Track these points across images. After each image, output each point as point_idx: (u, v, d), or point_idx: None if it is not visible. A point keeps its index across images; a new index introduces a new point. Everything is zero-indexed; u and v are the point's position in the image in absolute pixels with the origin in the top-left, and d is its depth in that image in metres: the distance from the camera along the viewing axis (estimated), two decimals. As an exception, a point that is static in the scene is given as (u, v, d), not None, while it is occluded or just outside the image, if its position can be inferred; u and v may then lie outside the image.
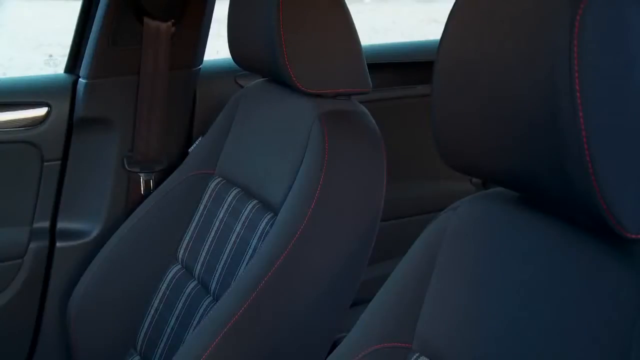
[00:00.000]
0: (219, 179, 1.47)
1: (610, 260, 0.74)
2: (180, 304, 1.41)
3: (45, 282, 1.59)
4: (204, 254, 1.41)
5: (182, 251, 1.47)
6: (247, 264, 1.29)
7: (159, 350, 1.40)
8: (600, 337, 0.72)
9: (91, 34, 1.60)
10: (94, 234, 1.61)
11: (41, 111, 1.58)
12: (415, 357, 0.91)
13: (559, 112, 0.69)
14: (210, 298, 1.36)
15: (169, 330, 1.41)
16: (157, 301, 1.46)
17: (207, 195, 1.47)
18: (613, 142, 0.68)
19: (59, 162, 1.61)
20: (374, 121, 1.31)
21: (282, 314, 1.22)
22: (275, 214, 1.28)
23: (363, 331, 0.97)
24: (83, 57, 1.62)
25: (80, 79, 1.61)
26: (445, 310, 0.88)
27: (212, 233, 1.42)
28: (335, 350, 0.99)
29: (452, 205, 0.95)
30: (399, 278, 0.96)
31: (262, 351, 1.23)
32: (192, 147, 1.63)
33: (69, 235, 1.61)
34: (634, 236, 0.70)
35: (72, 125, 1.61)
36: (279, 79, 1.37)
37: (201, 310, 1.35)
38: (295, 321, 1.23)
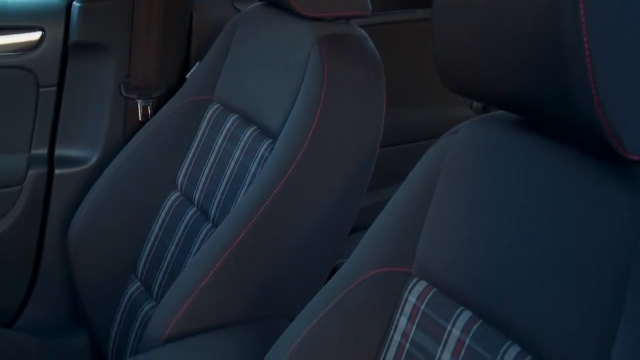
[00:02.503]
0: (217, 105, 1.45)
1: (612, 182, 0.73)
2: (180, 231, 1.41)
3: (45, 208, 1.59)
4: (203, 180, 1.41)
5: (181, 178, 1.47)
6: (246, 190, 1.28)
7: (160, 276, 1.41)
8: (600, 258, 0.72)
9: (85, -46, 1.56)
10: (93, 160, 1.60)
11: (35, 35, 1.55)
12: (414, 281, 0.91)
13: (562, 32, 0.68)
14: (210, 224, 1.36)
15: (169, 256, 1.41)
16: (156, 228, 1.47)
17: (205, 122, 1.46)
18: (617, 63, 0.67)
19: (55, 88, 1.59)
20: (373, 45, 1.29)
21: (281, 240, 1.22)
22: (274, 140, 1.27)
23: (362, 256, 0.97)
24: (76, -20, 1.59)
25: (74, 2, 1.58)
26: (445, 234, 0.88)
27: (211, 159, 1.41)
28: (334, 276, 0.99)
29: (452, 129, 0.94)
30: (398, 203, 0.96)
31: (261, 277, 1.23)
32: (190, 73, 1.61)
33: (68, 162, 1.60)
34: (636, 158, 0.70)
35: (67, 50, 1.59)
36: (277, 3, 1.34)
37: (201, 237, 1.35)
38: (294, 247, 1.24)
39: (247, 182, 1.31)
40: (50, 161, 1.59)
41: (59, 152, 1.60)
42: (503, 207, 0.82)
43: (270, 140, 1.29)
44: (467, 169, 0.88)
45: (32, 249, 1.59)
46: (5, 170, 1.55)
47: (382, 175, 1.47)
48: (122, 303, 1.47)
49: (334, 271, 1.03)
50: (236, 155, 1.35)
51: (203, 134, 1.45)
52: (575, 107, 0.69)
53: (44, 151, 1.59)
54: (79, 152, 1.61)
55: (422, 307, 0.88)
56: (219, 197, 1.36)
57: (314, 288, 1.02)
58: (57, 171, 1.58)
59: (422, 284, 0.90)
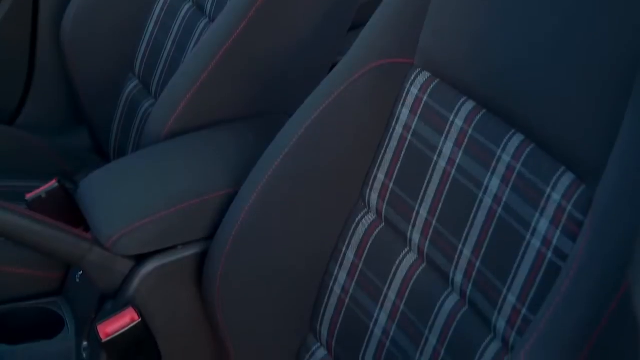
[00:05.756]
0: None
1: None
2: (176, 27, 1.38)
3: (35, 4, 1.54)
4: (197, -28, 1.36)
5: (174, -30, 1.41)
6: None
7: (157, 74, 1.40)
8: (607, 45, 0.69)
9: None
10: None
11: None
12: (416, 72, 0.89)
13: None
14: (207, 19, 1.32)
15: (165, 54, 1.39)
16: (152, 25, 1.43)
17: None
18: None
19: None
20: None
21: (280, 33, 1.20)
22: None
23: (363, 48, 0.95)
24: None
25: None
26: (449, 23, 0.86)
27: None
28: (334, 69, 0.98)
29: None
30: (401, -9, 0.92)
31: (260, 73, 1.22)
32: None
33: None
34: None
35: None
36: None
37: (197, 32, 1.32)
38: (293, 41, 1.22)
39: (244, -26, 1.26)
40: None
41: None
42: None
43: None
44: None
45: (26, 46, 1.56)
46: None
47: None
48: (121, 101, 1.46)
49: (333, 67, 1.01)
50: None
51: None
52: None
53: None
54: None
55: (425, 98, 0.87)
56: (215, -11, 1.31)
57: (313, 84, 1.01)
58: None
59: (425, 75, 0.88)
